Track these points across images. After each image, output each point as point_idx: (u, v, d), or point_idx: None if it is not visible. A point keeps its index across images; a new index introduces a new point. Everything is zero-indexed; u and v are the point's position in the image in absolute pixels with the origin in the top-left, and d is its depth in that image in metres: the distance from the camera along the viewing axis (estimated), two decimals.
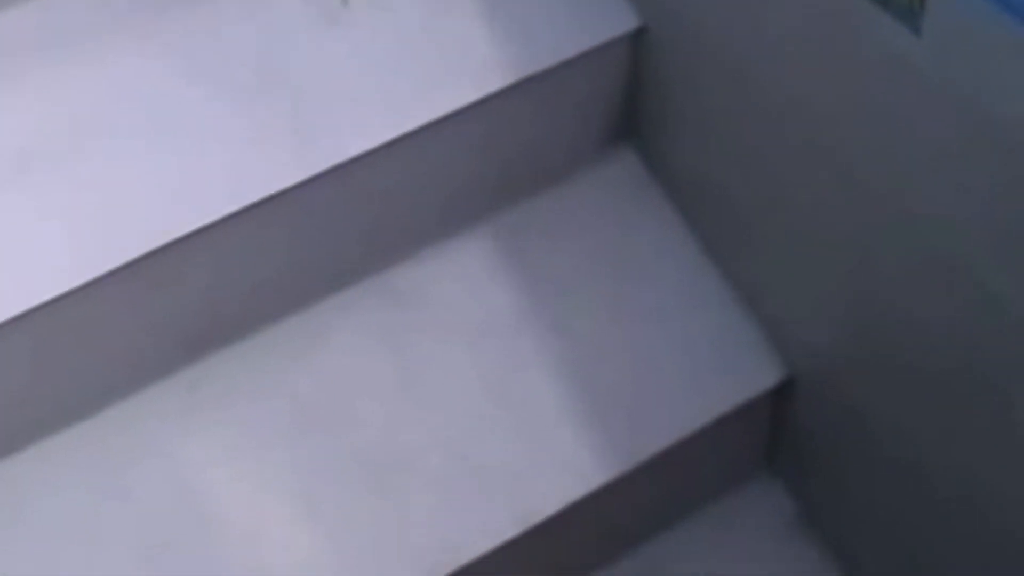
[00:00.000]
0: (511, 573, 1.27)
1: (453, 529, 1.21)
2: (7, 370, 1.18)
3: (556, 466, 1.24)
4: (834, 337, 1.23)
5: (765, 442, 1.40)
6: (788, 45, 1.08)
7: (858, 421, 1.25)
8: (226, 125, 1.21)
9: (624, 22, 1.29)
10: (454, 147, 1.29)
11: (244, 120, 1.22)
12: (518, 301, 1.32)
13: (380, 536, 1.20)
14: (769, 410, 1.34)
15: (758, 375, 1.30)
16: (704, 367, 1.30)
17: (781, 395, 1.31)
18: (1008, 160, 0.86)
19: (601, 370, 1.29)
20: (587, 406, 1.27)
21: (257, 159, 1.20)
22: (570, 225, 1.36)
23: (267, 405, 1.26)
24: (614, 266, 1.34)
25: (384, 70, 1.26)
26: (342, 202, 1.26)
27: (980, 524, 1.11)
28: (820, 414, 1.31)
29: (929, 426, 1.13)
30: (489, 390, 1.28)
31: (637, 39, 1.30)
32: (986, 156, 0.88)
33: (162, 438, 1.24)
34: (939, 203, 0.96)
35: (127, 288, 1.18)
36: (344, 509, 1.22)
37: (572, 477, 1.23)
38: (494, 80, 1.25)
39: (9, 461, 1.22)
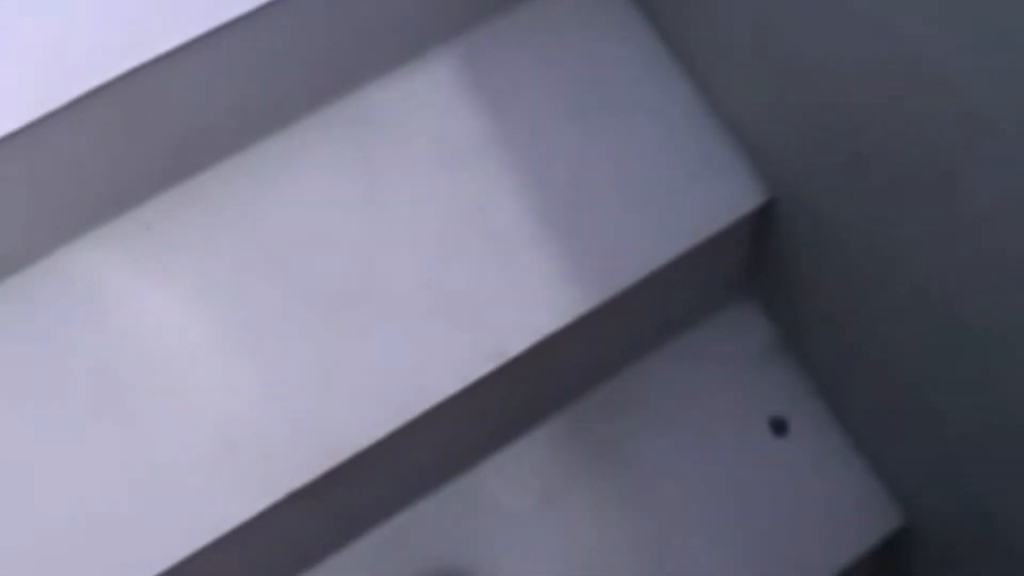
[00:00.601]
0: (482, 411, 1.25)
1: (421, 367, 1.18)
2: None
3: (529, 299, 1.20)
4: (813, 154, 1.18)
5: (744, 267, 1.37)
6: None
7: (835, 240, 1.21)
8: None
9: None
10: None
11: None
12: (491, 126, 1.26)
13: (343, 374, 1.17)
14: (750, 234, 1.30)
15: (739, 198, 1.25)
16: (683, 192, 1.25)
17: (762, 218, 1.27)
18: None
19: (577, 197, 1.24)
20: (562, 235, 1.22)
21: None
22: (546, 47, 1.29)
23: (227, 240, 1.21)
24: (590, 90, 1.27)
25: None
26: (304, 22, 1.18)
27: (948, 331, 1.10)
28: (799, 236, 1.27)
29: (898, 237, 1.10)
30: (460, 218, 1.23)
31: None
32: None
33: (119, 278, 1.20)
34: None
35: (83, 122, 1.11)
36: (305, 344, 1.19)
37: (546, 311, 1.20)
38: None
39: None
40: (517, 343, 1.18)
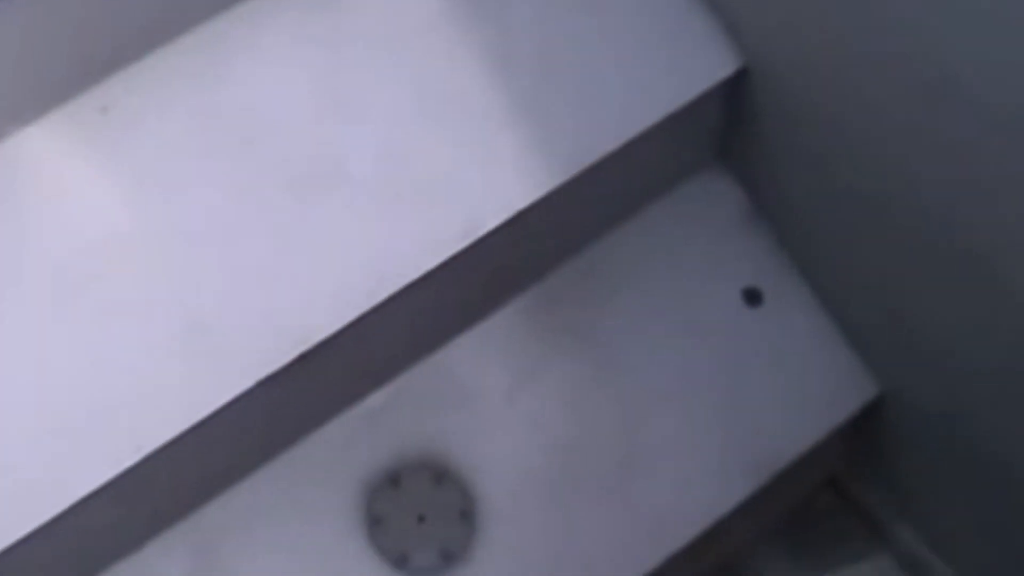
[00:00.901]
0: (453, 289, 1.22)
1: (391, 247, 1.15)
2: None
3: (500, 174, 1.17)
4: (789, 21, 1.15)
5: (718, 136, 1.34)
6: None
7: (808, 109, 1.19)
8: None
9: None
10: None
11: None
12: None
13: (312, 257, 1.14)
14: (723, 103, 1.27)
15: (713, 66, 1.22)
16: (655, 61, 1.21)
17: (735, 87, 1.24)
18: None
19: (547, 68, 1.20)
20: (532, 109, 1.19)
21: None
22: None
23: (186, 122, 1.17)
24: None
25: None
26: None
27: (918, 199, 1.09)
28: (773, 105, 1.24)
29: (868, 107, 1.08)
30: (424, 94, 1.19)
31: None
32: None
33: (75, 164, 1.15)
34: None
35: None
36: (271, 227, 1.15)
37: (517, 184, 1.17)
38: None
39: None
40: (490, 219, 1.16)
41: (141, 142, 1.16)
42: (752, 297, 1.37)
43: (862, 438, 1.41)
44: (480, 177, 1.17)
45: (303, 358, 1.13)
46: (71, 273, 1.13)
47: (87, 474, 1.09)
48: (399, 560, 1.27)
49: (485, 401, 1.33)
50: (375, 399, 1.31)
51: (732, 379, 1.35)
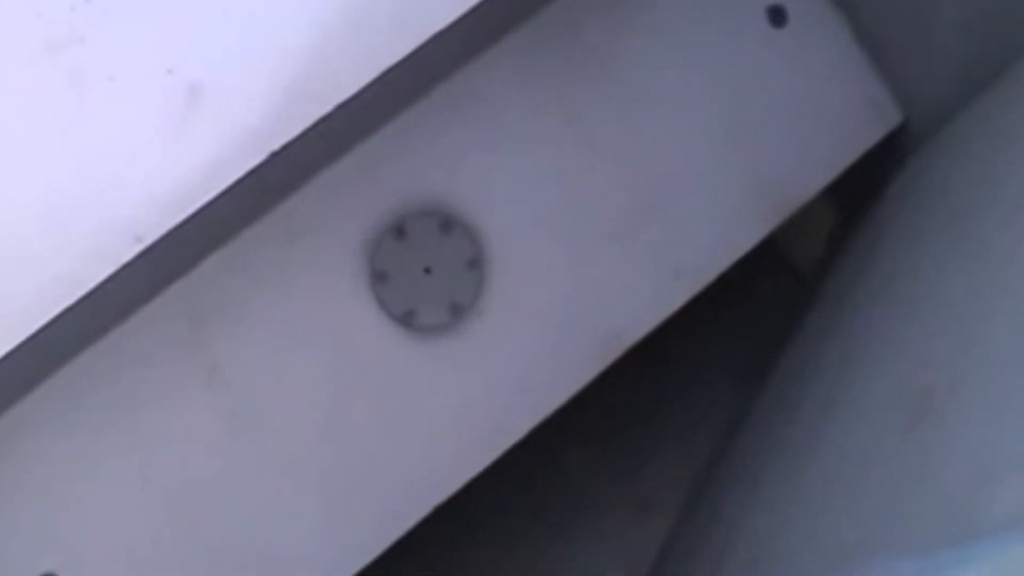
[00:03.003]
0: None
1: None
2: None
3: None
4: None
5: None
6: None
7: None
8: None
9: None
10: None
11: None
12: None
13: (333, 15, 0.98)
14: None
15: None
16: None
17: None
18: None
19: None
20: None
21: None
22: None
23: None
24: None
25: None
26: None
27: None
28: None
29: None
30: None
31: None
32: None
33: None
34: None
35: None
36: None
37: None
38: None
39: None
40: None
41: None
42: (776, 16, 1.25)
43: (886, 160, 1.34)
44: None
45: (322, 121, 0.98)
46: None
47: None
48: (406, 316, 1.18)
49: (494, 138, 1.20)
50: (373, 143, 1.18)
51: (754, 103, 1.24)
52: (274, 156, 0.98)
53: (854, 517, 0.90)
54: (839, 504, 0.96)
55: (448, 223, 1.19)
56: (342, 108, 1.00)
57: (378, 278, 1.17)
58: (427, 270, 1.19)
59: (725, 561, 1.20)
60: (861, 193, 1.34)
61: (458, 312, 1.19)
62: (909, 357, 0.98)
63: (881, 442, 0.93)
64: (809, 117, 1.26)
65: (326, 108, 0.97)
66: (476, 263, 1.19)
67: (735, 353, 1.58)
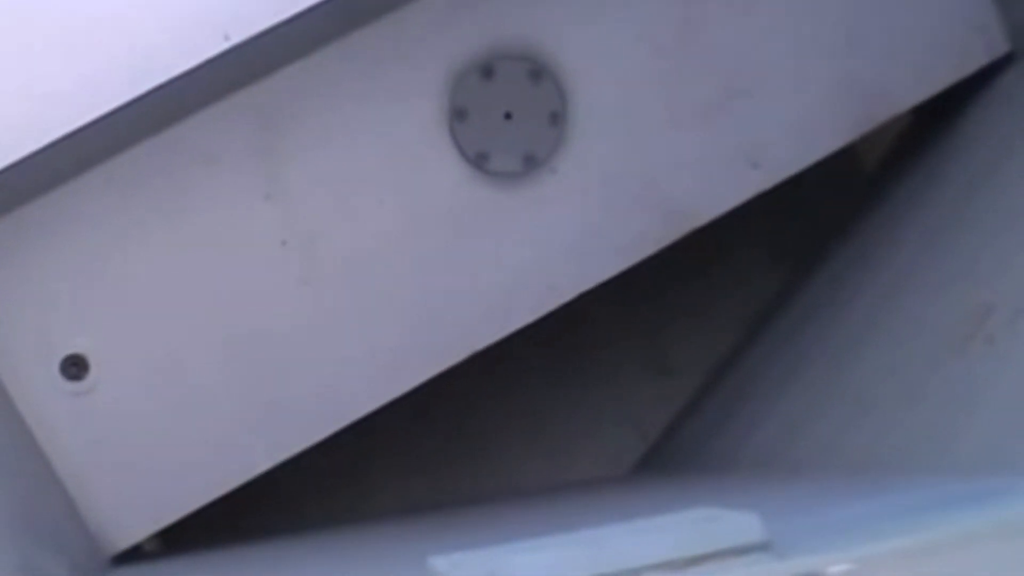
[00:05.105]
0: None
1: None
2: None
3: None
4: None
5: None
6: None
7: None
8: None
9: None
10: None
11: None
12: None
13: None
14: None
15: None
16: None
17: None
18: None
19: None
20: None
21: None
22: None
23: None
24: None
25: None
26: None
27: None
28: None
29: None
30: None
31: None
32: None
33: None
34: None
35: None
36: None
37: None
38: None
39: None
40: None
41: None
42: None
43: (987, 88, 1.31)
44: None
45: None
46: None
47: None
48: (478, 158, 1.16)
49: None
50: None
51: (861, 12, 1.21)
52: None
53: (893, 434, 0.91)
54: (879, 415, 0.96)
55: (538, 72, 1.16)
56: None
57: (457, 114, 1.15)
58: (508, 115, 1.16)
59: (751, 438, 1.21)
60: (939, 100, 1.31)
61: (532, 163, 1.17)
62: (976, 275, 0.97)
63: (934, 360, 0.93)
64: (915, 34, 1.22)
65: None
66: (559, 118, 1.17)
67: (781, 235, 1.57)
